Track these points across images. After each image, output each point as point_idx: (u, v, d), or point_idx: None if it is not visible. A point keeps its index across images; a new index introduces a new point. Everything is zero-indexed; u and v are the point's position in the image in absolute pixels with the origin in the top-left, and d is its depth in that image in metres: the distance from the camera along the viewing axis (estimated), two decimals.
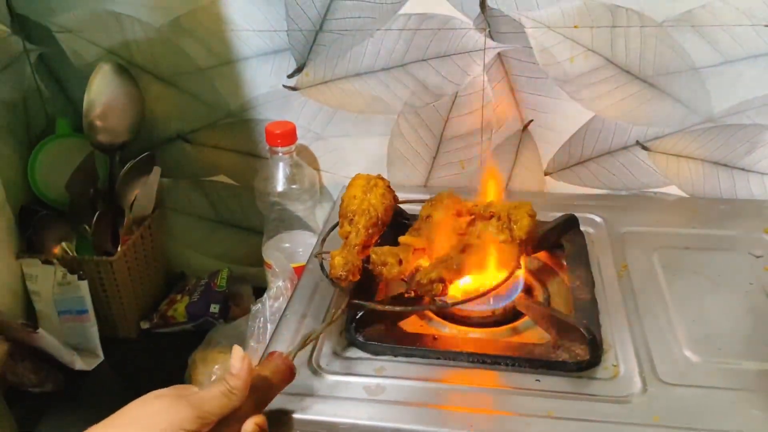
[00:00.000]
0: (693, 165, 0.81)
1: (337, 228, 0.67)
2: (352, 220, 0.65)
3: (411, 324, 0.66)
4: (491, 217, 0.63)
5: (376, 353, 0.60)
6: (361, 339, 0.61)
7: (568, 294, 0.65)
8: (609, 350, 0.58)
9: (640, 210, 0.79)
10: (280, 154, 0.83)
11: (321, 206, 0.91)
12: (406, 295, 0.65)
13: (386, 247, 0.63)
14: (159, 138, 0.91)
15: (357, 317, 0.61)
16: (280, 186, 0.84)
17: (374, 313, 0.61)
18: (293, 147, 0.83)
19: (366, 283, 0.63)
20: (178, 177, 0.94)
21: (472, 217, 0.65)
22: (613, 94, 0.77)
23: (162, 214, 0.97)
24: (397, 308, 0.62)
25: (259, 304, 0.81)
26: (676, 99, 0.77)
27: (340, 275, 0.59)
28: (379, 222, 0.66)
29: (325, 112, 0.85)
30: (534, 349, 0.58)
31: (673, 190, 0.83)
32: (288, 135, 0.82)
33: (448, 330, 0.65)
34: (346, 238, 0.64)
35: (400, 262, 0.61)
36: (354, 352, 0.61)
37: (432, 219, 0.66)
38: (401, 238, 0.65)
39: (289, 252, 0.88)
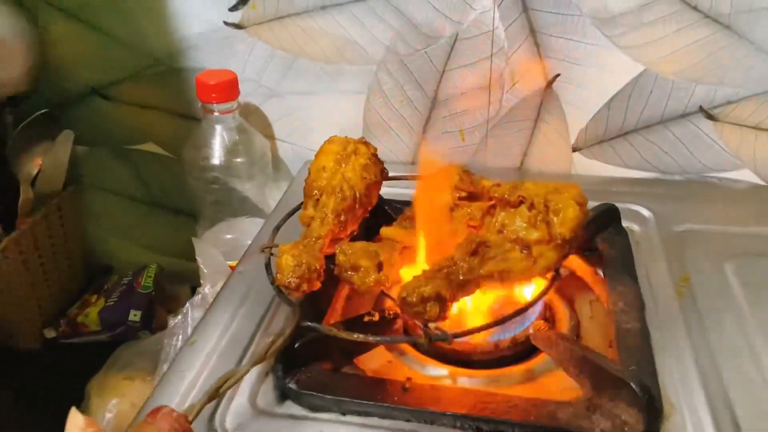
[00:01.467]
0: None
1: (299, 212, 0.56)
2: (318, 200, 0.54)
3: (374, 359, 0.52)
4: (520, 203, 0.50)
5: (314, 408, 0.46)
6: (292, 386, 0.46)
7: (608, 321, 0.53)
8: (672, 414, 0.45)
9: (702, 201, 0.69)
10: (217, 114, 0.71)
11: (277, 186, 0.80)
12: (366, 319, 0.51)
13: (360, 244, 0.51)
14: (68, 92, 0.82)
15: (288, 351, 0.47)
16: (216, 157, 0.72)
17: (319, 344, 0.48)
18: (235, 105, 0.72)
19: (320, 293, 0.51)
20: (97, 144, 0.85)
21: (491, 202, 0.53)
22: (672, 40, 0.67)
23: (78, 192, 0.87)
24: (371, 338, 0.47)
25: (180, 316, 0.67)
26: (760, 48, 0.65)
27: (289, 282, 0.48)
28: (357, 206, 0.54)
29: (281, 60, 0.75)
30: (557, 411, 0.44)
31: (747, 175, 0.72)
32: (226, 87, 0.70)
33: (428, 371, 0.51)
34: (308, 226, 0.53)
35: (380, 266, 0.49)
36: (282, 405, 0.47)
37: (429, 203, 0.55)
38: (384, 230, 0.55)
39: (231, 246, 0.75)
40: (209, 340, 0.52)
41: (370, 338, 0.46)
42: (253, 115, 0.78)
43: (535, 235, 0.48)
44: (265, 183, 0.77)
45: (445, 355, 0.52)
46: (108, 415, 0.66)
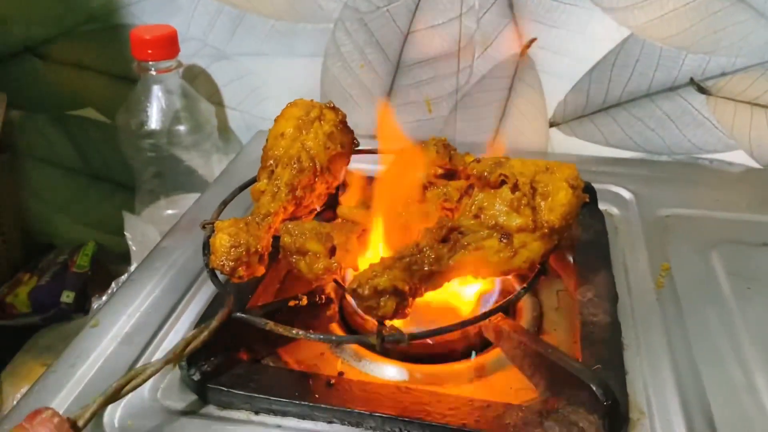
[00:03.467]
0: None
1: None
2: (273, 172, 0.50)
3: (304, 350, 0.47)
4: (502, 183, 0.45)
5: (222, 405, 0.41)
6: (196, 378, 0.41)
7: (574, 313, 0.50)
8: (640, 422, 0.42)
9: (690, 184, 0.68)
10: (154, 73, 0.67)
11: (227, 159, 0.75)
12: (292, 303, 0.46)
13: (310, 224, 0.46)
14: None
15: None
16: (154, 123, 0.68)
17: (236, 329, 0.43)
18: (174, 63, 0.68)
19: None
20: (33, 109, 0.82)
21: (469, 181, 0.49)
22: (661, 2, 0.64)
23: (13, 161, 0.84)
24: (313, 336, 0.41)
25: (105, 297, 0.65)
26: (761, 12, 0.63)
27: (222, 265, 0.43)
28: (317, 180, 0.50)
29: (228, 17, 0.72)
30: (505, 416, 0.40)
31: (740, 156, 0.70)
32: (164, 43, 0.66)
33: (365, 365, 0.46)
34: (257, 201, 0.49)
35: (332, 251, 0.44)
36: (186, 401, 0.42)
37: (399, 180, 0.51)
38: (341, 209, 0.51)
39: (172, 223, 0.67)
40: (113, 323, 0.47)
41: (311, 335, 0.41)
42: (198, 79, 0.75)
43: (517, 221, 0.43)
44: (210, 154, 0.73)
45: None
46: (14, 403, 0.59)
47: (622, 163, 0.71)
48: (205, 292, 0.49)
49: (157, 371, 0.37)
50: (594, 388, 0.39)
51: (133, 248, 0.63)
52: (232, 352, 0.43)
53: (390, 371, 0.46)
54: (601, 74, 0.68)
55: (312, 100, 0.54)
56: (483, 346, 0.48)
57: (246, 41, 0.72)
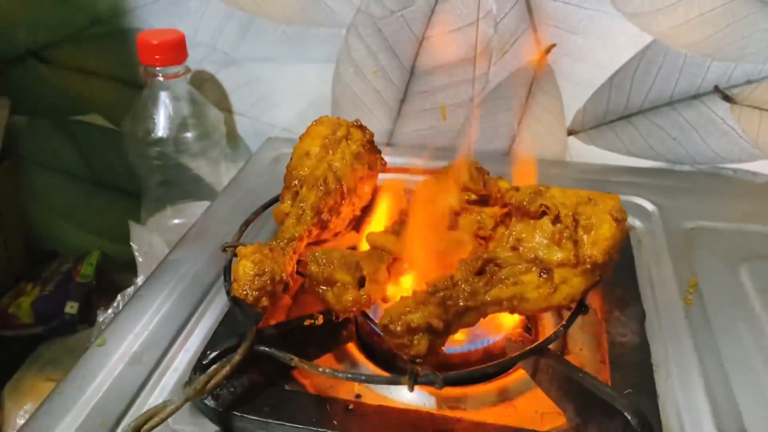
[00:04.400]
0: None
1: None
2: (297, 193, 0.49)
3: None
4: (542, 214, 0.44)
5: (236, 431, 0.40)
6: (209, 403, 0.40)
7: (600, 332, 0.49)
8: None
9: (714, 195, 0.67)
10: (161, 79, 0.66)
11: (235, 167, 0.74)
12: (307, 323, 0.44)
13: (338, 252, 0.44)
14: (2, 54, 0.78)
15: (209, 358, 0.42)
16: (161, 130, 0.67)
17: (250, 351, 0.41)
18: (182, 69, 0.67)
19: None
20: (36, 114, 0.81)
21: (505, 209, 0.48)
22: (686, 8, 0.63)
23: (15, 167, 0.84)
24: (340, 375, 0.40)
25: (110, 310, 0.60)
26: None
27: (246, 294, 0.41)
28: (344, 202, 0.49)
29: (238, 21, 0.71)
30: None
31: (766, 166, 0.69)
32: (172, 48, 0.65)
33: (382, 387, 0.44)
34: (282, 224, 0.48)
35: (362, 281, 0.43)
36: (199, 427, 0.41)
37: (430, 205, 0.50)
38: (371, 236, 0.49)
39: (179, 232, 0.66)
40: (121, 342, 0.45)
41: (339, 374, 0.39)
42: (206, 85, 0.75)
43: (558, 255, 0.42)
44: (218, 161, 0.72)
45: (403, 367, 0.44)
46: (20, 422, 0.59)
47: (643, 173, 0.70)
48: (216, 307, 0.48)
49: (177, 409, 0.36)
50: (629, 417, 0.37)
51: (140, 259, 0.62)
52: (247, 375, 0.42)
53: (409, 394, 0.43)
54: (622, 81, 0.67)
55: (338, 118, 0.53)
56: (501, 368, 0.46)
57: (256, 46, 0.72)
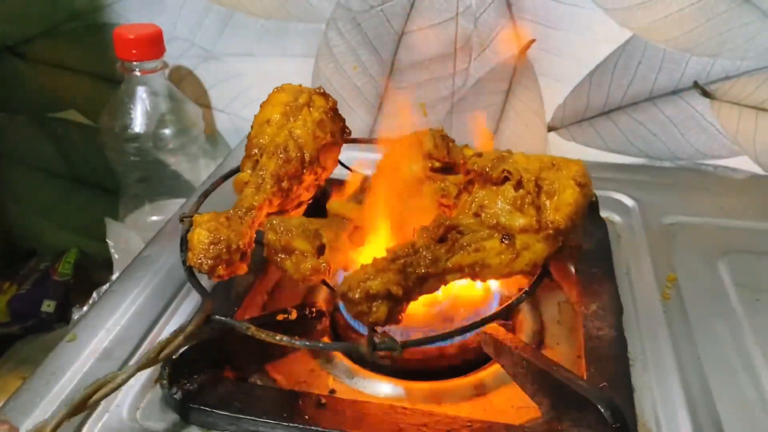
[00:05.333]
0: None
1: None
2: (257, 162, 0.47)
3: (292, 366, 0.46)
4: (505, 180, 0.43)
5: (206, 426, 0.40)
6: (178, 397, 0.39)
7: (577, 326, 0.49)
8: None
9: (694, 191, 0.67)
10: (138, 74, 0.67)
11: (215, 163, 0.75)
12: (280, 317, 0.44)
13: (297, 219, 0.44)
14: None
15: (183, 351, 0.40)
16: (138, 126, 0.67)
17: (221, 345, 0.42)
18: (160, 64, 0.67)
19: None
20: (13, 111, 0.81)
21: (469, 176, 0.46)
22: (665, 3, 0.64)
23: None
24: (298, 343, 0.40)
25: (86, 308, 0.60)
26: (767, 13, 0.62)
27: (200, 263, 0.40)
28: (306, 171, 0.48)
29: (216, 15, 0.71)
30: None
31: (745, 162, 0.70)
32: (149, 42, 0.65)
33: (357, 382, 0.45)
34: (240, 193, 0.47)
35: (321, 250, 0.43)
36: (167, 421, 0.40)
37: (392, 173, 0.49)
38: (331, 204, 0.49)
39: (157, 229, 0.67)
40: (91, 338, 0.45)
41: (297, 342, 0.39)
42: (185, 81, 0.74)
43: (520, 221, 0.41)
44: (197, 158, 0.72)
45: (378, 362, 0.45)
46: None
47: (624, 169, 0.70)
48: (190, 302, 0.47)
49: (128, 378, 0.35)
50: (602, 410, 0.37)
51: (116, 256, 0.62)
52: (217, 369, 0.41)
53: (384, 388, 0.44)
54: (602, 77, 0.67)
55: (300, 85, 0.51)
56: (482, 361, 0.46)
57: (235, 41, 0.71)
